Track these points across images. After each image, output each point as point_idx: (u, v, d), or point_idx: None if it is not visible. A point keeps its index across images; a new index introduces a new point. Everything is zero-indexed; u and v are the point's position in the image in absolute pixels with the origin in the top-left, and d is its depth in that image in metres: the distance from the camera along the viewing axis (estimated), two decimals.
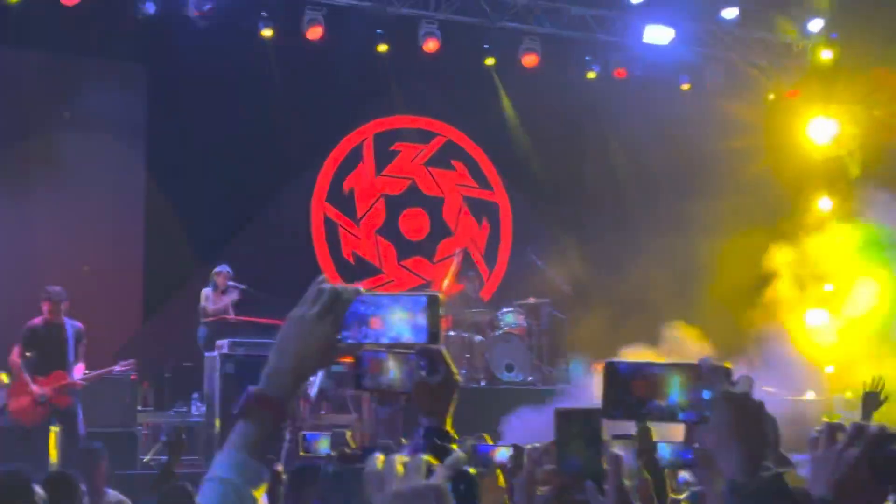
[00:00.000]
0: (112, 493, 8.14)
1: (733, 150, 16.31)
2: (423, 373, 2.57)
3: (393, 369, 2.59)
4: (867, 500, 2.20)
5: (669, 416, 1.92)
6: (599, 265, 16.43)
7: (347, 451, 5.48)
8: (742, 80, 16.50)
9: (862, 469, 2.18)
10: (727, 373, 1.89)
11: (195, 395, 12.91)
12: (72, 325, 11.17)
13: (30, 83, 14.04)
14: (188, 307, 13.49)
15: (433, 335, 2.16)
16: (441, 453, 2.51)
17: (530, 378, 13.76)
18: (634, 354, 11.68)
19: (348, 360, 2.60)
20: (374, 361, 2.59)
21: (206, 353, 12.64)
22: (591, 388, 12.82)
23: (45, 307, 11.06)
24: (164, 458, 11.82)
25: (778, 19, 16.19)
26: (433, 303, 2.15)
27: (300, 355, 2.10)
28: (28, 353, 10.99)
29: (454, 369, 2.62)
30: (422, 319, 2.15)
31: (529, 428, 10.96)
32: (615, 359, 1.97)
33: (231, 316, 13.25)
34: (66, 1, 13.13)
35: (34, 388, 10.90)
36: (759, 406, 1.88)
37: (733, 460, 1.85)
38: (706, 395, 1.88)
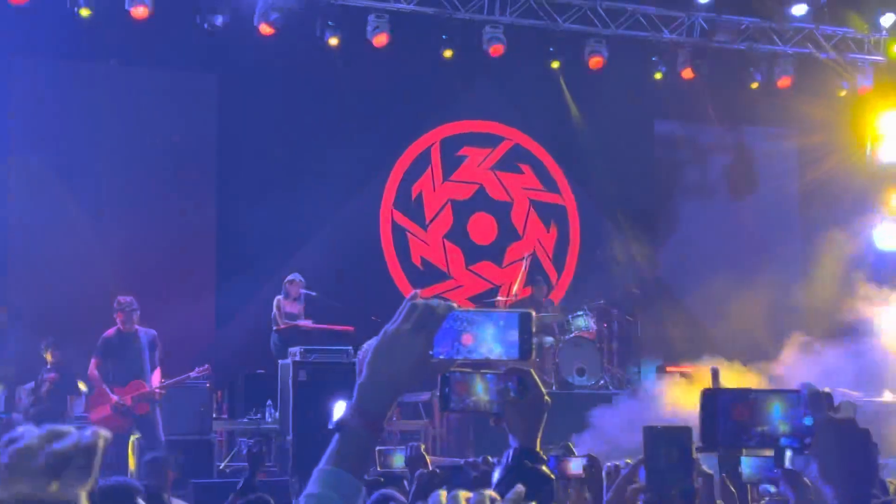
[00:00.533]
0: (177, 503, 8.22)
1: (807, 149, 16.11)
2: (512, 393, 2.56)
3: (480, 390, 2.58)
4: None
5: (771, 442, 1.89)
6: (669, 267, 16.33)
7: (424, 472, 5.46)
8: (813, 77, 16.26)
9: None
10: (829, 399, 1.85)
11: (269, 403, 13.00)
12: (146, 334, 11.33)
13: (101, 95, 14.26)
14: (260, 315, 13.61)
15: (525, 352, 2.17)
16: (531, 476, 2.49)
17: (601, 382, 13.69)
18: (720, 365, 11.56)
19: None
20: (462, 382, 2.58)
21: (279, 361, 12.74)
22: (661, 392, 12.75)
23: (118, 318, 11.24)
24: (240, 464, 11.99)
25: (849, 15, 15.93)
26: (525, 320, 2.16)
27: (394, 371, 2.11)
28: (104, 364, 11.16)
29: (543, 390, 2.60)
30: (513, 336, 2.15)
31: (602, 434, 10.91)
32: (712, 387, 1.94)
33: (303, 323, 13.35)
34: (136, 14, 13.32)
35: (113, 397, 11.07)
36: (865, 434, 1.84)
37: (839, 489, 1.81)
38: (808, 421, 1.85)
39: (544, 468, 2.55)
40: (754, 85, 16.26)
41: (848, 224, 15.85)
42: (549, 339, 13.85)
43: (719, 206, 16.88)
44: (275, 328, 13.33)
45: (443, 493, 1.69)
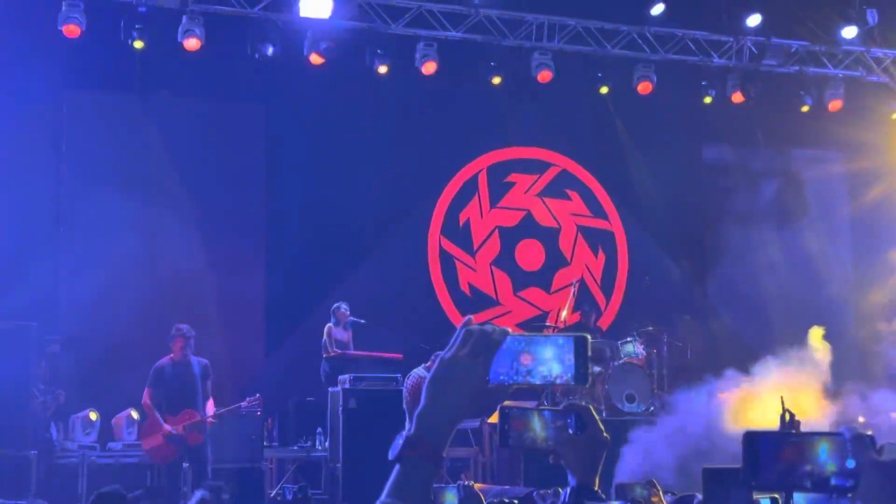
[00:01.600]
0: None
1: (859, 171, 15.95)
2: (571, 430, 2.54)
3: (538, 426, 2.56)
4: None
5: (821, 484, 1.87)
6: (718, 292, 16.19)
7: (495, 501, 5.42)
8: (863, 100, 16.11)
9: None
10: (871, 441, 1.84)
11: (318, 430, 13.03)
12: (198, 363, 11.37)
13: (152, 127, 14.41)
14: (309, 342, 13.67)
15: (581, 376, 2.15)
16: None
17: (651, 408, 13.57)
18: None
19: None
20: (520, 419, 2.57)
21: (329, 388, 12.77)
22: (711, 415, 12.60)
23: (175, 345, 11.27)
24: (289, 488, 12.02)
25: None
26: (581, 343, 2.15)
27: (452, 398, 2.08)
28: (157, 393, 11.20)
29: (602, 427, 2.58)
30: (570, 359, 2.14)
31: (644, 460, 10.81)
32: (754, 428, 1.92)
33: (352, 351, 13.39)
34: (188, 46, 13.49)
35: (166, 427, 11.12)
36: None
37: None
38: (850, 464, 1.83)
39: None
40: (805, 108, 16.14)
41: None
42: (598, 367, 13.76)
43: (769, 231, 16.71)
44: (325, 355, 13.37)
45: None
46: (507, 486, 11.33)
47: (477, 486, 8.57)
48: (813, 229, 16.39)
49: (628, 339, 13.97)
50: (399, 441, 2.06)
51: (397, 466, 2.04)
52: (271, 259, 14.95)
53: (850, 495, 1.84)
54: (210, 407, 11.36)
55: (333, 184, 15.02)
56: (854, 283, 16.44)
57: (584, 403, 2.61)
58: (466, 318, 2.19)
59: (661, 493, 5.31)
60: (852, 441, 1.85)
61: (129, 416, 12.67)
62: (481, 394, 2.10)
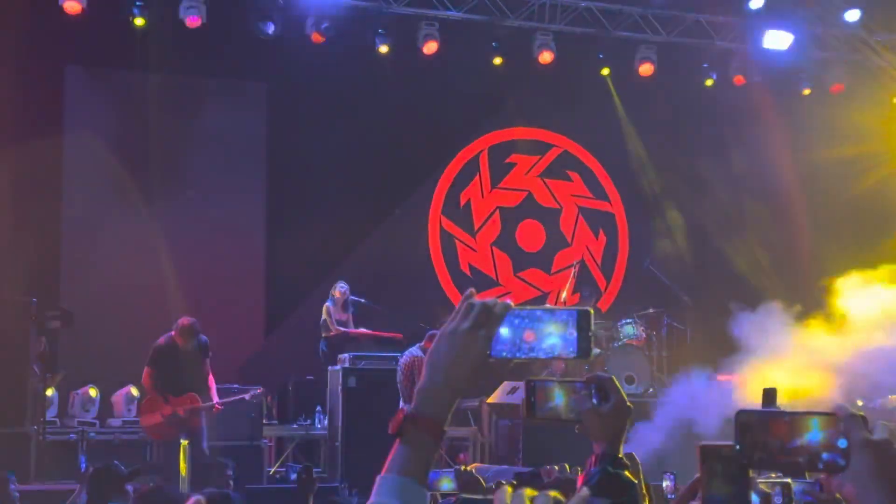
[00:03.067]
0: None
1: (858, 156, 15.92)
2: (595, 401, 2.56)
3: (560, 397, 2.58)
4: None
5: (811, 464, 1.87)
6: (721, 276, 16.18)
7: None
8: (865, 83, 16.07)
9: None
10: (864, 420, 1.84)
11: (318, 408, 13.06)
12: (198, 342, 11.31)
13: (153, 104, 14.39)
14: (309, 321, 13.68)
15: (584, 350, 2.14)
16: (614, 481, 2.48)
17: (650, 390, 13.60)
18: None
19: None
20: (544, 390, 2.58)
21: (329, 367, 12.79)
22: (711, 399, 12.63)
23: (181, 339, 11.09)
24: (293, 467, 12.07)
25: None
26: (584, 317, 2.13)
27: (454, 372, 2.05)
28: (158, 373, 11.08)
29: (624, 395, 2.60)
30: (572, 334, 2.13)
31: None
32: (747, 407, 1.92)
33: (352, 330, 13.40)
34: (190, 23, 13.46)
35: (167, 407, 11.04)
36: None
37: None
38: (842, 443, 1.83)
39: (627, 473, 2.55)
40: (806, 91, 16.11)
41: None
42: (597, 349, 13.78)
43: (769, 213, 16.68)
44: (324, 334, 13.38)
45: (508, 489, 1.66)
46: (505, 466, 11.37)
47: (475, 465, 8.59)
48: (814, 212, 16.36)
49: (628, 320, 13.98)
50: (400, 416, 2.05)
51: (398, 442, 2.02)
52: (271, 237, 14.94)
53: (841, 474, 1.85)
54: (211, 383, 11.30)
55: (334, 163, 15.00)
56: (854, 264, 16.41)
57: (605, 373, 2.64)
58: (468, 291, 2.17)
59: (639, 466, 5.30)
60: (845, 420, 1.86)
61: (129, 392, 12.68)
62: (483, 368, 2.09)
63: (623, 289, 16.43)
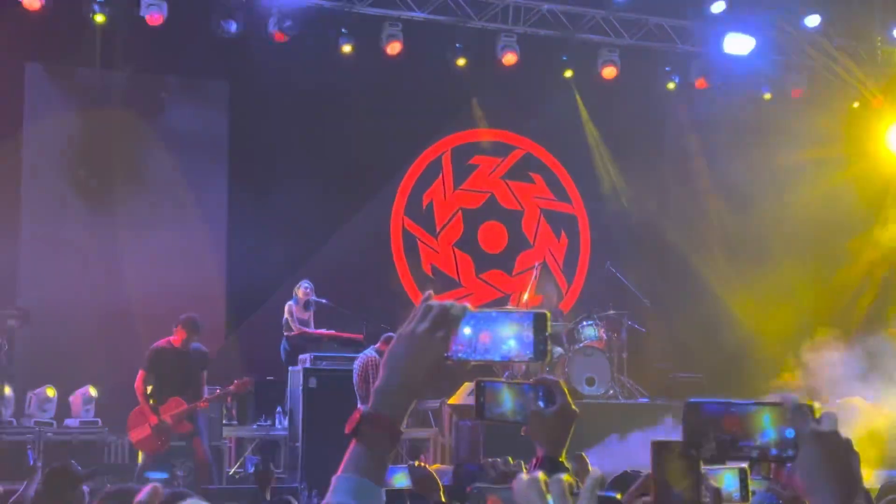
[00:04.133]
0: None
1: (817, 159, 16.07)
2: (541, 403, 2.55)
3: (508, 399, 2.58)
4: None
5: (762, 456, 1.89)
6: (680, 278, 16.29)
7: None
8: (825, 88, 16.23)
9: None
10: (811, 411, 1.86)
11: (278, 409, 13.01)
12: (196, 350, 11.10)
13: (114, 102, 14.29)
14: (270, 322, 13.62)
15: (540, 353, 2.15)
16: None
17: (611, 391, 13.65)
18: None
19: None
20: (492, 392, 2.58)
21: (290, 368, 12.74)
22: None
23: (182, 336, 10.95)
24: (251, 459, 12.01)
25: (862, 26, 15.90)
26: (540, 320, 2.15)
27: (410, 373, 2.07)
28: (151, 378, 10.86)
29: (570, 400, 2.59)
30: (529, 336, 2.14)
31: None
32: (696, 398, 1.94)
33: (313, 330, 13.36)
34: (151, 21, 13.37)
35: (153, 416, 10.82)
36: (847, 443, 1.85)
37: (825, 500, 1.81)
38: (789, 434, 1.85)
39: (566, 477, 2.54)
40: (767, 96, 16.25)
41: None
42: (559, 350, 13.82)
43: (731, 216, 16.80)
44: (286, 334, 13.33)
45: (525, 475, 1.63)
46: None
47: (436, 466, 8.58)
48: (771, 214, 16.48)
49: (589, 322, 14.02)
50: (356, 416, 2.05)
51: (354, 442, 2.03)
52: (233, 237, 14.85)
53: (788, 465, 1.86)
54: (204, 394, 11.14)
55: (296, 163, 14.94)
56: (812, 266, 16.57)
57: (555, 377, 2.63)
58: (427, 293, 2.18)
59: (589, 467, 5.32)
60: (793, 411, 1.88)
61: (87, 393, 12.56)
62: (440, 369, 2.10)
63: (584, 291, 16.48)
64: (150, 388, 10.89)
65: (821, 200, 16.18)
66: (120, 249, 13.92)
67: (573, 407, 2.60)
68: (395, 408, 2.05)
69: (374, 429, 2.02)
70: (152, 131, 14.50)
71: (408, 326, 2.11)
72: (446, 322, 2.09)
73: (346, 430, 2.03)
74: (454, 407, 12.51)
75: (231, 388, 11.52)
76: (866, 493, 4.80)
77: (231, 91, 15.07)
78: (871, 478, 8.72)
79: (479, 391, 2.57)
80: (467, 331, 2.12)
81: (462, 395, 12.22)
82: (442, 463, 12.42)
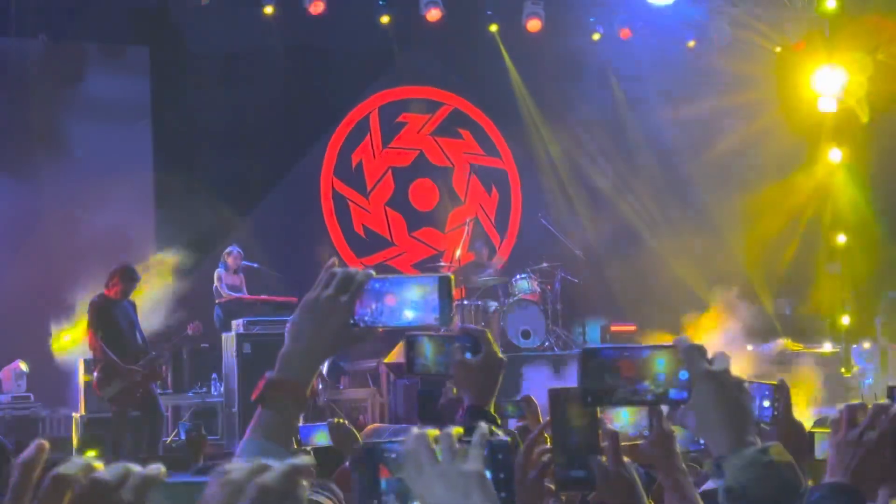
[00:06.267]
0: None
1: (743, 106, 16.23)
2: (466, 353, 2.55)
3: (431, 351, 2.58)
4: (889, 483, 2.17)
5: (661, 398, 1.91)
6: (612, 228, 16.41)
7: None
8: (748, 35, 16.36)
9: (884, 451, 2.16)
10: (703, 352, 1.88)
11: (214, 376, 12.95)
12: (129, 302, 11.01)
13: (33, 71, 13.99)
14: (202, 289, 13.50)
15: (444, 317, 2.17)
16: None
17: (547, 343, 13.78)
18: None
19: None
20: (418, 344, 2.59)
21: (223, 334, 12.68)
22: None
23: (118, 287, 10.73)
24: (183, 425, 11.98)
25: None
26: (445, 283, 2.16)
27: (315, 338, 2.09)
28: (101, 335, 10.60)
29: (496, 348, 2.59)
30: (434, 299, 2.15)
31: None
32: (592, 345, 1.96)
33: (245, 295, 13.28)
34: None
35: (124, 369, 10.55)
36: (739, 382, 1.88)
37: (718, 439, 1.84)
38: (683, 375, 1.87)
39: (493, 428, 2.54)
40: (691, 44, 16.35)
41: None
42: (494, 304, 13.89)
43: (659, 165, 16.92)
44: (217, 301, 13.24)
45: (415, 430, 1.61)
46: (403, 425, 11.42)
47: (373, 426, 8.59)
48: (698, 162, 16.64)
49: (522, 275, 14.11)
50: (261, 382, 2.06)
51: (259, 408, 2.04)
52: (160, 203, 14.66)
53: (682, 406, 1.89)
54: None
55: (222, 127, 14.78)
56: (739, 212, 16.80)
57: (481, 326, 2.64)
58: (330, 259, 2.18)
59: (537, 409, 5.33)
60: (685, 352, 1.90)
61: (18, 368, 12.40)
62: (345, 333, 2.11)
63: (517, 245, 16.55)
64: (108, 344, 10.64)
65: (749, 145, 16.39)
66: (41, 219, 13.67)
67: (499, 355, 2.60)
68: (301, 371, 2.07)
69: (279, 394, 2.04)
70: (73, 99, 14.22)
71: (312, 293, 2.14)
72: (350, 287, 2.10)
73: (252, 397, 2.04)
74: (390, 365, 12.55)
75: (188, 332, 11.42)
76: (761, 429, 4.87)
77: (152, 56, 14.80)
78: (808, 417, 8.92)
79: (409, 346, 2.59)
80: (372, 295, 2.13)
81: (397, 353, 12.24)
82: (381, 422, 12.45)
